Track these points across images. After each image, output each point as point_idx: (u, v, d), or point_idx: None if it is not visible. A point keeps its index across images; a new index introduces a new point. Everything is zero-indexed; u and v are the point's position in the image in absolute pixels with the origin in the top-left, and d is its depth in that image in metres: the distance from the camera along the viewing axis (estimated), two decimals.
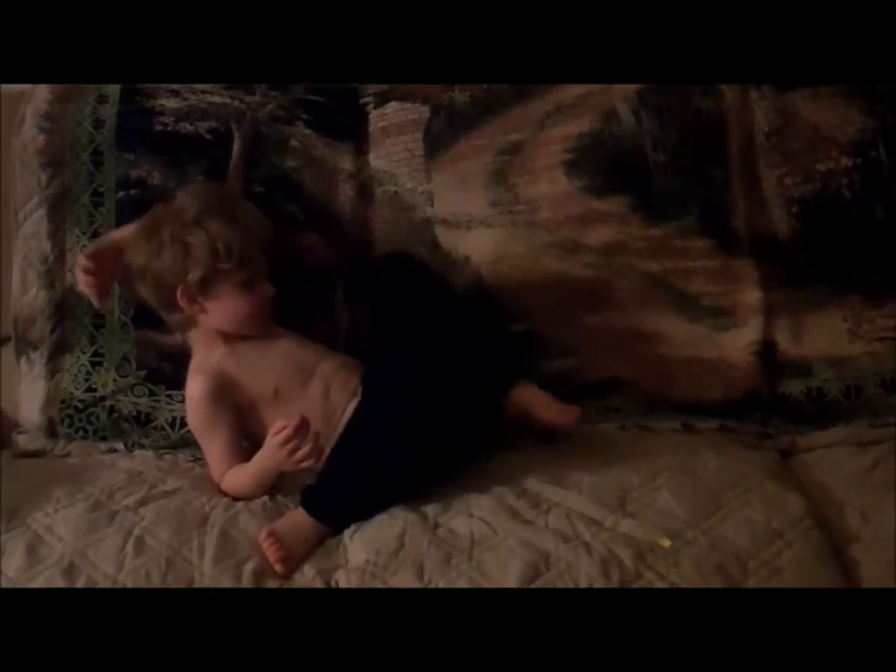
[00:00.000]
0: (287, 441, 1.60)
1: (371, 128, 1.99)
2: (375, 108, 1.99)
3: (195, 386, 1.77)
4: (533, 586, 1.45)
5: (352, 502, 1.63)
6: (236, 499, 1.69)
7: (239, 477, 1.72)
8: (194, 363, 1.81)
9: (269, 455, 1.65)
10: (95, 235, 1.92)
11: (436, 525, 1.58)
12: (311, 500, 1.64)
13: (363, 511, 1.62)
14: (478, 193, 1.93)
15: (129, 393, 1.89)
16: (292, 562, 1.56)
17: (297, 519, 1.62)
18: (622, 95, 1.93)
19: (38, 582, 1.51)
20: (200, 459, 1.82)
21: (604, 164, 1.91)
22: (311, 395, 1.77)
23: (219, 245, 1.69)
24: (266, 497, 1.69)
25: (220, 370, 1.78)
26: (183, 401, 1.84)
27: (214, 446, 1.77)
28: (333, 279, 1.94)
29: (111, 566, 1.54)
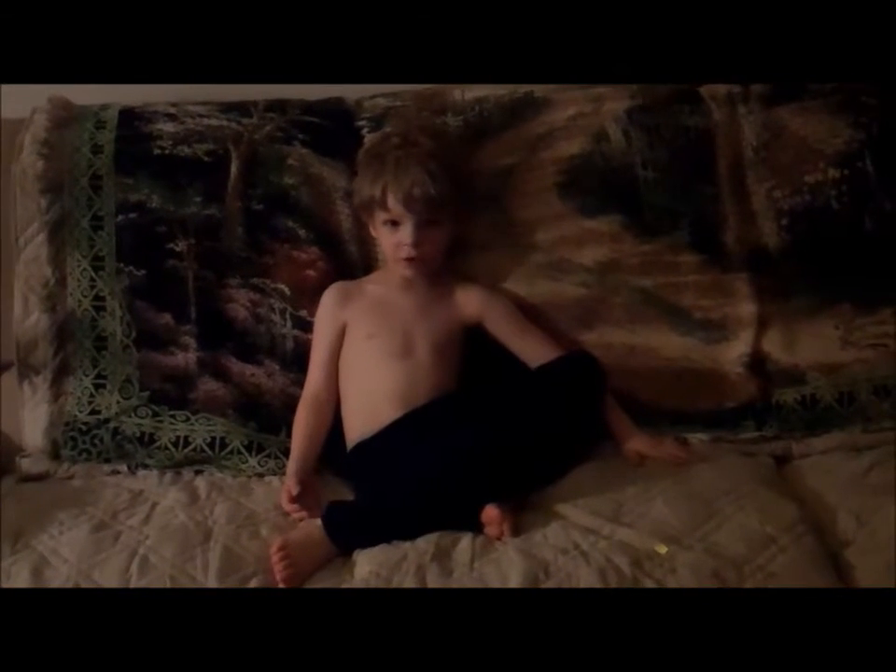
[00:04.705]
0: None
1: None
2: (370, 133, 2.00)
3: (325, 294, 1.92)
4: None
5: (374, 530, 1.64)
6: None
7: (294, 431, 1.84)
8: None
9: None
10: (96, 259, 1.93)
11: (438, 539, 1.60)
12: (333, 521, 1.64)
13: (382, 539, 1.62)
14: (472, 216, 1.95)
15: (132, 414, 1.89)
16: (297, 580, 1.57)
17: (312, 534, 1.62)
18: (611, 116, 1.96)
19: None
20: (202, 473, 1.85)
21: (595, 185, 1.94)
22: (389, 368, 1.82)
23: (381, 183, 1.82)
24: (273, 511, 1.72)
25: (352, 287, 1.92)
26: (186, 420, 1.88)
27: (312, 357, 1.90)
28: None
29: (116, 586, 1.55)
